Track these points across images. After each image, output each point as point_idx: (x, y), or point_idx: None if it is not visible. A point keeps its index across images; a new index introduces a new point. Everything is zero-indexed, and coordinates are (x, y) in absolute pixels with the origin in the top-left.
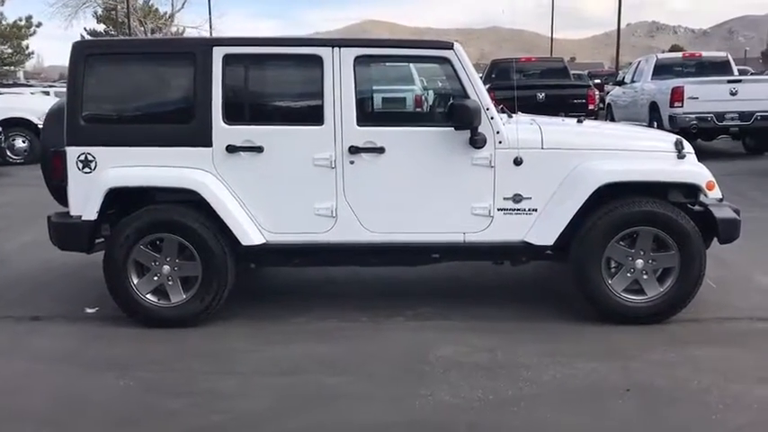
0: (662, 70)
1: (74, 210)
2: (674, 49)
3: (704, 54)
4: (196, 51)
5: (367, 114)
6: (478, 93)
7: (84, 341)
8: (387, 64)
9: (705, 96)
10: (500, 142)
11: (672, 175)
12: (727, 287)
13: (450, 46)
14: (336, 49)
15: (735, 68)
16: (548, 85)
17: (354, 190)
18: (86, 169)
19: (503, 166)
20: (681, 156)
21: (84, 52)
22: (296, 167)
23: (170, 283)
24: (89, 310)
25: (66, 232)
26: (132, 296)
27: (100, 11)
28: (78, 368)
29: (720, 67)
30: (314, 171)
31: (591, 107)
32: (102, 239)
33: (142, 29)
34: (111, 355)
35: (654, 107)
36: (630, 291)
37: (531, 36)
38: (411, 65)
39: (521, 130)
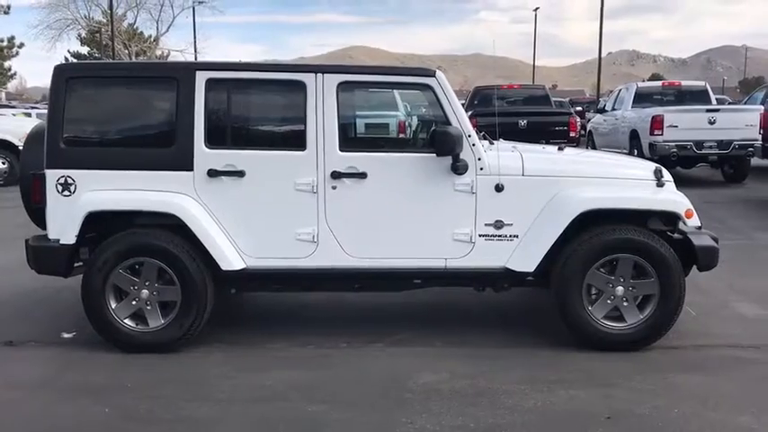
0: (642, 98)
1: (52, 233)
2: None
3: (683, 83)
4: (178, 76)
5: (349, 140)
6: (460, 120)
7: (60, 367)
8: (370, 90)
9: (685, 125)
10: (481, 169)
11: (651, 203)
12: (705, 314)
13: (432, 73)
14: (320, 75)
15: (713, 97)
16: (529, 113)
17: (336, 215)
18: (66, 192)
19: (484, 193)
20: (660, 184)
21: (65, 75)
22: (277, 192)
23: (148, 307)
24: (66, 335)
25: (45, 256)
26: (110, 321)
27: (84, 33)
28: (54, 395)
29: (699, 96)
30: (295, 196)
31: (572, 134)
32: (81, 263)
33: (126, 52)
34: (87, 381)
35: (634, 135)
36: (610, 318)
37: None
38: (395, 91)
39: (502, 156)
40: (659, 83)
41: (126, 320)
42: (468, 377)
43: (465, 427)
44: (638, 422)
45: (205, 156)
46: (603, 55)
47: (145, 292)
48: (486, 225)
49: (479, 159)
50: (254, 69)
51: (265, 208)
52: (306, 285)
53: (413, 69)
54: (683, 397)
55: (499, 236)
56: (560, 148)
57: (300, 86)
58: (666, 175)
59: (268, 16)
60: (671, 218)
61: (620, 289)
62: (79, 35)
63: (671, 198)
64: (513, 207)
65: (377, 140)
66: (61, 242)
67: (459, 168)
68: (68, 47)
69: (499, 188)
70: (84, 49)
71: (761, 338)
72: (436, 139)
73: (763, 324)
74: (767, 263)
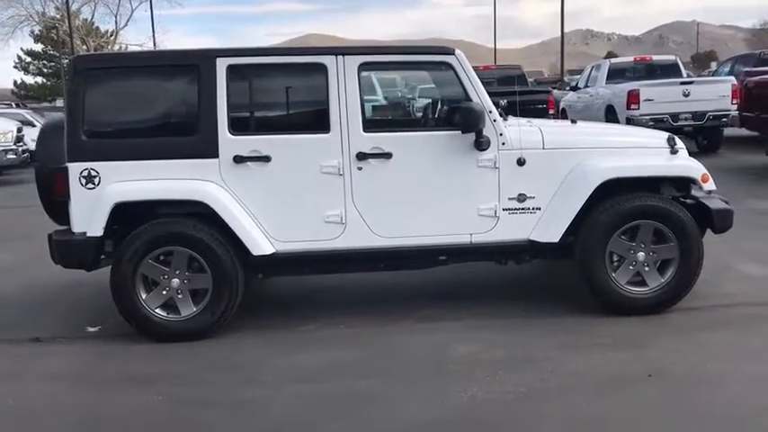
0: (615, 74)
1: (77, 226)
2: (609, 55)
3: (654, 58)
4: (199, 63)
5: (373, 120)
6: (481, 96)
7: (95, 360)
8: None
9: (660, 98)
10: (503, 144)
11: (670, 169)
12: (712, 277)
13: (451, 51)
14: (341, 57)
15: (683, 70)
16: (509, 92)
17: (363, 196)
18: (89, 185)
19: (507, 167)
20: (674, 151)
21: (84, 66)
22: (304, 176)
23: (180, 296)
24: (91, 329)
25: (71, 250)
26: (141, 311)
27: (37, 30)
28: (101, 385)
29: (670, 70)
30: (322, 178)
31: (551, 112)
32: (104, 256)
33: (85, 48)
34: (129, 371)
35: (610, 110)
36: (633, 283)
37: (469, 46)
38: (372, 75)
39: (522, 131)
40: (631, 58)
41: (157, 310)
42: (504, 346)
43: (516, 392)
44: (679, 379)
45: (230, 142)
46: (558, 35)
47: (175, 280)
48: (509, 199)
49: (501, 135)
50: (274, 54)
51: (292, 192)
52: (334, 267)
53: (432, 48)
54: (714, 354)
55: (522, 209)
56: (573, 121)
57: (322, 69)
58: (679, 142)
59: (221, 7)
60: (685, 183)
61: (641, 254)
62: (32, 32)
63: (687, 164)
64: (535, 180)
65: (400, 120)
66: (88, 235)
67: (482, 144)
68: (22, 44)
69: (521, 162)
70: (39, 47)
71: None
72: (461, 116)
73: None
74: (762, 226)
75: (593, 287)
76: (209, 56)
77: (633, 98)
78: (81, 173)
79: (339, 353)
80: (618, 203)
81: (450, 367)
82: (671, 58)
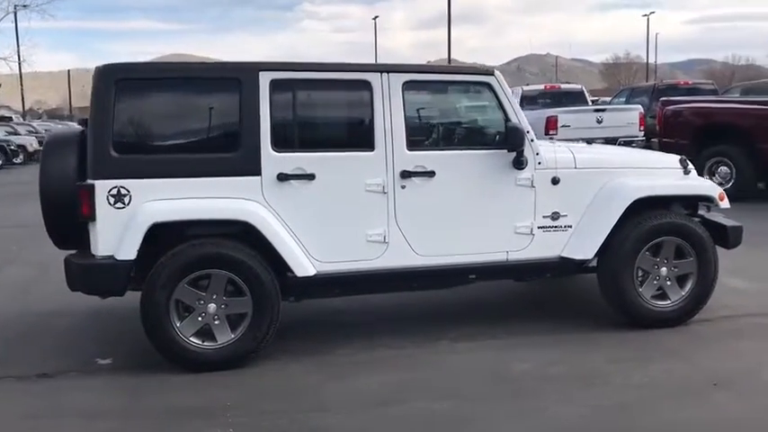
0: (528, 101)
1: (103, 249)
2: None
3: (562, 86)
4: (241, 76)
5: (415, 138)
6: (519, 116)
7: (127, 393)
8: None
9: (576, 124)
10: (539, 163)
11: (695, 188)
12: None
13: (491, 72)
14: (385, 74)
15: (588, 98)
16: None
17: (405, 214)
18: (119, 204)
19: (542, 186)
20: (686, 171)
21: (113, 77)
22: (348, 194)
23: (216, 322)
24: (101, 361)
25: (98, 275)
26: (176, 340)
27: None
28: (155, 420)
29: (577, 97)
30: (366, 197)
31: (641, 129)
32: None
33: None
34: (176, 404)
35: None
36: (656, 297)
37: None
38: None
39: (557, 150)
40: (542, 86)
41: (192, 338)
42: (559, 363)
43: (600, 407)
44: (743, 384)
45: (273, 159)
46: (425, 62)
47: (212, 305)
48: (543, 217)
49: (537, 154)
50: (318, 69)
51: (336, 210)
52: (370, 288)
53: (473, 68)
54: (758, 360)
55: (555, 227)
56: (588, 143)
57: (366, 86)
58: (689, 164)
59: (82, 23)
60: (695, 201)
61: (663, 270)
62: None
63: (709, 184)
64: (568, 199)
65: (442, 138)
66: (118, 258)
67: (522, 163)
68: None
69: (555, 181)
70: None
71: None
72: (509, 135)
73: (762, 295)
74: None
75: (621, 302)
76: (252, 69)
77: (552, 124)
78: (109, 191)
79: (393, 375)
80: (645, 221)
81: (520, 385)
82: (577, 86)
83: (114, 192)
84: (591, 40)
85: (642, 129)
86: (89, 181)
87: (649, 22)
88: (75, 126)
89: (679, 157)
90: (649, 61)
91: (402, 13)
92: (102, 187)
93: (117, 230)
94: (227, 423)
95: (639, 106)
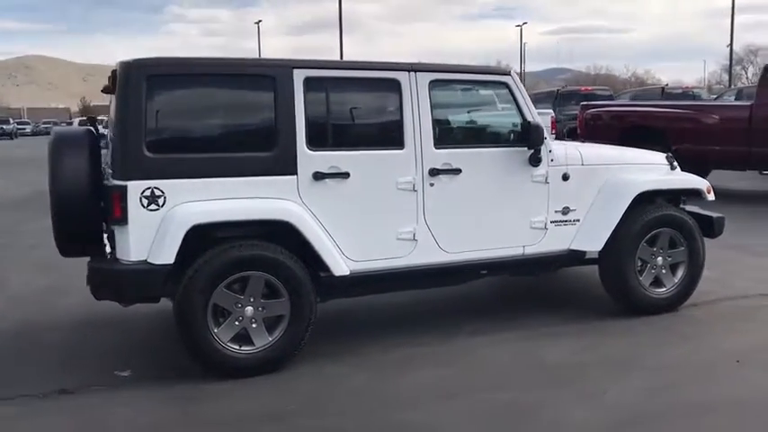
0: None
1: (136, 254)
2: None
3: None
4: (275, 74)
5: (442, 137)
6: (533, 114)
7: (171, 404)
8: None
9: None
10: (552, 160)
11: (687, 182)
12: None
13: (508, 72)
14: (413, 73)
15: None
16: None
17: (433, 212)
18: (152, 206)
19: (554, 182)
20: (673, 167)
21: (144, 72)
22: (380, 192)
23: (254, 326)
24: (121, 374)
25: (133, 280)
26: (214, 347)
27: None
28: (220, 428)
29: None
30: (397, 195)
31: None
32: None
33: None
34: (234, 411)
35: None
36: (652, 284)
37: None
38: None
39: (567, 147)
40: None
41: (229, 343)
42: (586, 351)
43: (652, 387)
44: (762, 360)
45: (309, 158)
46: None
47: (249, 309)
48: (555, 212)
49: (550, 151)
50: (350, 68)
51: (369, 209)
52: (400, 285)
53: (491, 68)
54: (762, 338)
55: (565, 221)
56: (582, 141)
57: (395, 85)
58: (675, 161)
59: None
60: (678, 195)
61: (659, 259)
62: None
63: (698, 179)
64: (576, 194)
65: (467, 136)
66: (156, 263)
67: (538, 160)
68: None
69: (565, 177)
70: None
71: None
72: (532, 133)
73: (725, 281)
74: None
75: (625, 290)
76: (286, 67)
77: None
78: (143, 192)
79: (434, 370)
80: (645, 214)
81: (560, 372)
82: None
83: (148, 193)
84: (461, 49)
85: (554, 132)
86: (121, 182)
87: (522, 32)
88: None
89: (665, 153)
90: (519, 71)
91: (274, 18)
92: (135, 188)
93: (150, 234)
94: (301, 426)
95: (551, 111)
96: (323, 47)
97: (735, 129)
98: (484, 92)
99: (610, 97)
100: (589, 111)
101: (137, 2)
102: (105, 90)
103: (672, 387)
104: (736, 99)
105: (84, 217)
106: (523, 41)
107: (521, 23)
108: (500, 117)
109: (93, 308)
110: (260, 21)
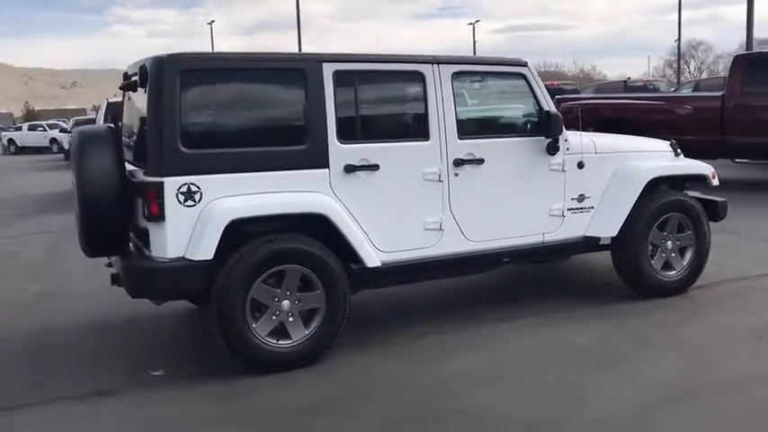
0: None
1: (173, 251)
2: None
3: None
4: (305, 67)
5: (465, 127)
6: (549, 105)
7: (217, 400)
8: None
9: None
10: (568, 149)
11: (695, 168)
12: None
13: (524, 63)
14: (436, 65)
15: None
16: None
17: (458, 201)
18: (189, 202)
19: (571, 170)
20: (677, 154)
21: (178, 68)
22: (408, 183)
23: (290, 319)
24: (155, 373)
25: (172, 277)
26: (254, 342)
27: None
28: (273, 422)
29: None
30: (424, 186)
31: None
32: None
33: None
34: (281, 404)
35: None
36: (663, 268)
37: None
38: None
39: (581, 136)
40: None
41: (267, 338)
42: (612, 333)
43: (685, 364)
44: None
45: (340, 151)
46: None
47: (286, 302)
48: (572, 199)
49: (566, 140)
50: (376, 60)
51: (398, 200)
52: (427, 275)
53: (509, 60)
54: None
55: (581, 208)
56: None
57: (420, 77)
58: (678, 148)
59: None
60: (682, 180)
61: (669, 243)
62: None
63: (704, 165)
64: (590, 181)
65: (488, 127)
66: (194, 259)
67: (556, 149)
68: None
69: (581, 165)
70: None
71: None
72: (550, 122)
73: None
74: None
75: (638, 275)
76: (316, 60)
77: None
78: (179, 188)
79: (466, 357)
80: (655, 200)
81: (593, 354)
82: None
83: (184, 189)
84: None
85: None
86: (157, 178)
87: (475, 30)
88: None
89: (670, 141)
90: None
91: (222, 18)
92: (172, 185)
93: (187, 230)
94: (350, 417)
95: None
96: (276, 47)
97: (707, 119)
98: (502, 83)
99: (575, 91)
100: (563, 104)
101: (74, 3)
102: (125, 87)
103: (706, 363)
104: (693, 91)
105: (115, 217)
106: (468, 40)
107: (473, 21)
108: (518, 107)
109: (95, 311)
110: (213, 21)
